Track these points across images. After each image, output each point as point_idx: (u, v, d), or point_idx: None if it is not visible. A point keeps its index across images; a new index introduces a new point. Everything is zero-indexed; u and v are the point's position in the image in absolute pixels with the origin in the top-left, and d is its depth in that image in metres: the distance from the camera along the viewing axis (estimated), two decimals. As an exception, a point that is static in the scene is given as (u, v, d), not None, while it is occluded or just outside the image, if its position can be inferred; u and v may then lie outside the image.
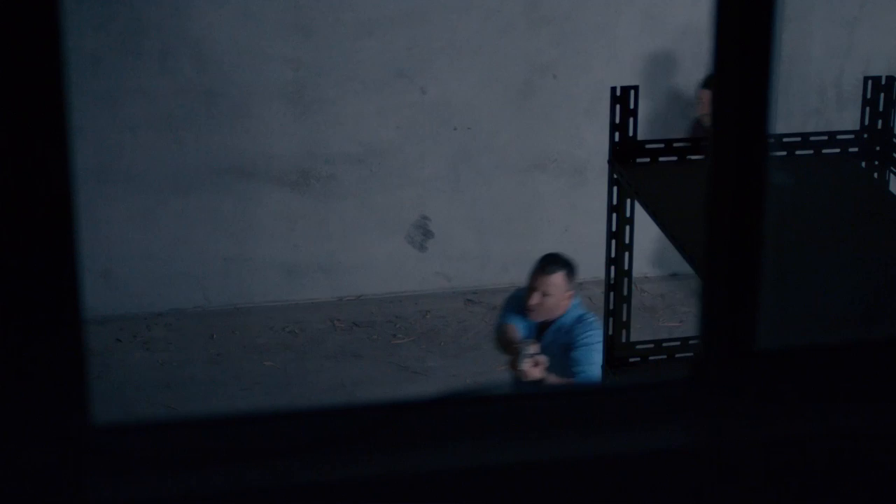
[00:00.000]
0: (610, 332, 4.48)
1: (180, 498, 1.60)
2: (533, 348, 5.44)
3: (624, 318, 4.47)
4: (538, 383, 5.48)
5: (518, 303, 5.86)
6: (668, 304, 8.47)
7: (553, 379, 5.52)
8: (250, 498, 1.62)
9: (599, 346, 5.62)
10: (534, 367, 5.45)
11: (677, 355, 4.49)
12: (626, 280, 4.44)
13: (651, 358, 4.52)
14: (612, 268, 4.41)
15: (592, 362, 5.70)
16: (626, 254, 4.40)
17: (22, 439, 1.57)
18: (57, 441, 1.58)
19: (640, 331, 7.64)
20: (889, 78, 4.49)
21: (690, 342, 4.54)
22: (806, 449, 1.77)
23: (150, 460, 1.63)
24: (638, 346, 4.54)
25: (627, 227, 4.37)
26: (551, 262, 5.74)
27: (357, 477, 1.64)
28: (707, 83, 7.34)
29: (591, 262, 7.89)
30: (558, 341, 5.74)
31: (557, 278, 5.70)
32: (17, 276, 1.53)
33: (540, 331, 5.78)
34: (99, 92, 7.66)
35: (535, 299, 5.67)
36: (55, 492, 1.58)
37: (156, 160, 7.95)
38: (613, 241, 4.38)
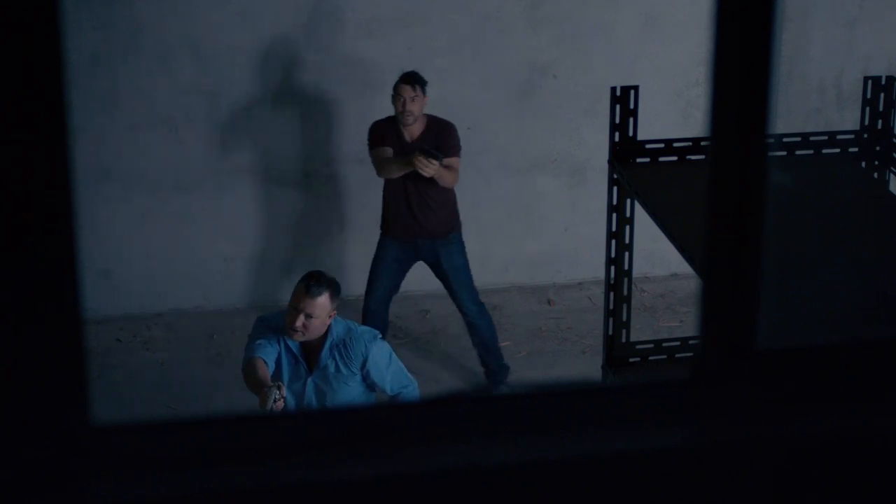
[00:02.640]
0: (610, 332, 4.48)
1: (180, 498, 1.60)
2: (282, 391, 5.20)
3: (624, 318, 4.48)
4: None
5: (269, 327, 5.57)
6: (668, 304, 8.47)
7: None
8: (250, 498, 1.62)
9: (393, 356, 5.61)
10: (281, 406, 5.20)
11: (677, 355, 4.49)
12: (626, 280, 4.44)
13: (651, 358, 4.53)
14: (612, 268, 4.41)
15: (403, 380, 5.61)
16: (626, 254, 4.40)
17: (21, 439, 1.57)
18: (56, 441, 1.58)
19: (640, 331, 7.66)
20: (889, 78, 4.49)
21: (690, 342, 4.54)
22: (806, 449, 1.77)
23: (150, 460, 1.63)
24: (638, 346, 4.54)
25: (627, 227, 4.38)
26: (316, 284, 5.42)
27: (357, 477, 1.64)
28: (406, 79, 7.14)
29: (591, 262, 7.92)
30: (337, 361, 5.54)
31: (323, 300, 5.40)
32: (17, 276, 1.53)
33: (309, 354, 5.57)
34: (99, 92, 7.67)
35: (298, 321, 5.39)
36: (55, 492, 1.58)
37: (156, 160, 7.95)
38: (613, 241, 4.38)
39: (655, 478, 1.72)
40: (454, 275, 7.32)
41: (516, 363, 7.58)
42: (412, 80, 7.15)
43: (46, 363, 1.56)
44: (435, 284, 8.39)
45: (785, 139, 4.46)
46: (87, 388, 1.58)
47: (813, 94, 8.54)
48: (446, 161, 7.06)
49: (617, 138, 4.29)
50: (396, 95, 7.13)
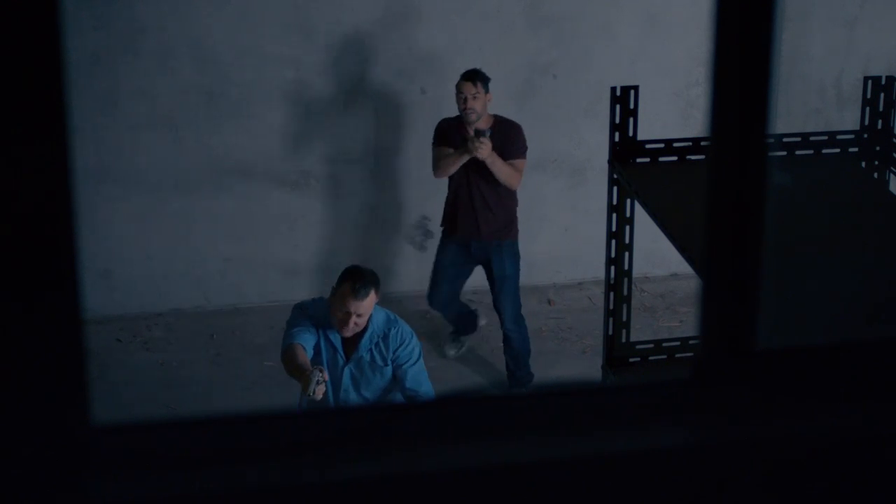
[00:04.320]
0: (610, 332, 4.48)
1: (180, 498, 1.60)
2: (324, 375, 5.29)
3: (624, 318, 4.47)
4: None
5: (308, 315, 5.64)
6: (668, 304, 8.47)
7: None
8: (250, 498, 1.62)
9: (421, 357, 5.73)
10: (323, 390, 5.28)
11: (677, 355, 4.49)
12: (626, 280, 4.44)
13: (651, 358, 4.52)
14: (612, 268, 4.41)
15: (423, 381, 5.69)
16: (626, 254, 4.40)
17: (22, 439, 1.57)
18: (57, 441, 1.58)
19: (640, 331, 7.66)
20: (889, 78, 4.48)
21: (690, 342, 4.54)
22: (806, 449, 1.77)
23: (150, 460, 1.63)
24: (638, 346, 4.54)
25: (627, 227, 4.38)
26: (362, 285, 5.48)
27: (357, 477, 1.64)
28: (468, 76, 7.17)
29: (591, 262, 7.92)
30: (373, 352, 5.63)
31: (370, 299, 5.51)
32: (17, 277, 1.53)
33: (347, 343, 5.65)
34: (99, 92, 7.67)
35: (351, 322, 5.48)
36: (55, 492, 1.58)
37: (156, 160, 7.95)
38: (613, 241, 4.38)
39: (655, 478, 1.72)
40: (501, 283, 7.31)
41: (516, 363, 7.58)
42: (474, 76, 7.15)
43: (46, 363, 1.56)
44: (435, 284, 8.38)
45: (785, 139, 4.46)
46: (87, 388, 1.58)
47: (813, 94, 8.54)
48: (510, 161, 7.07)
49: (617, 138, 4.28)
50: (458, 93, 7.15)
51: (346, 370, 5.66)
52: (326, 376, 5.33)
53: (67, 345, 1.55)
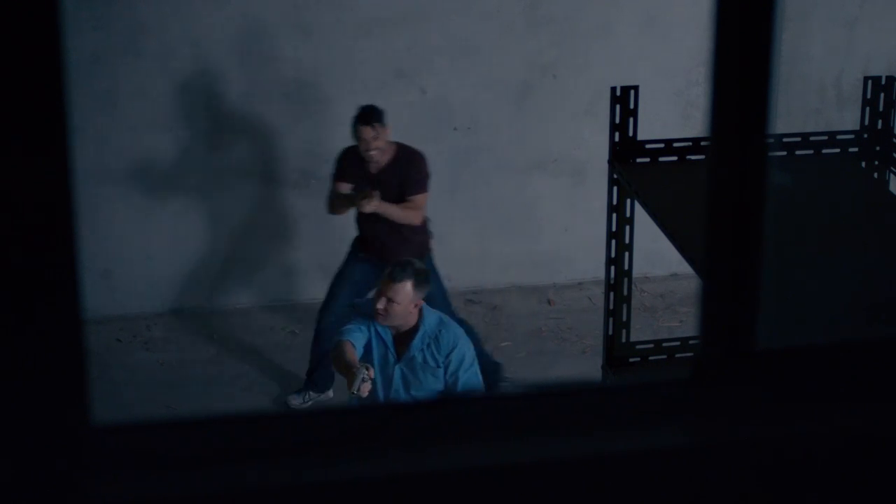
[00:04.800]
0: (610, 332, 4.48)
1: (180, 498, 1.60)
2: (370, 372, 5.34)
3: (624, 318, 4.47)
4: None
5: (361, 312, 5.74)
6: (668, 304, 8.47)
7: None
8: (250, 498, 1.62)
9: (475, 362, 5.72)
10: (368, 388, 5.33)
11: (677, 355, 4.49)
12: (626, 280, 4.44)
13: (651, 358, 4.52)
14: (612, 268, 4.41)
15: (475, 386, 5.68)
16: (626, 254, 4.40)
17: (22, 439, 1.57)
18: (57, 441, 1.58)
19: (640, 331, 7.65)
20: (889, 78, 4.49)
21: (690, 342, 4.54)
22: (806, 449, 1.77)
23: (150, 460, 1.63)
24: (638, 346, 4.54)
25: (627, 227, 4.38)
26: (400, 269, 5.59)
27: (357, 477, 1.64)
28: (364, 119, 6.92)
29: (591, 262, 7.91)
30: (425, 353, 5.66)
31: (405, 286, 5.55)
32: (17, 276, 1.53)
33: (399, 342, 5.69)
34: (99, 92, 7.66)
35: (381, 304, 5.55)
36: (55, 492, 1.58)
37: (156, 160, 7.95)
38: (613, 241, 4.38)
39: (655, 478, 1.72)
40: (430, 301, 7.16)
41: (516, 363, 7.57)
42: (369, 118, 6.91)
43: (46, 363, 1.56)
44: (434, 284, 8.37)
45: (785, 139, 4.46)
46: (87, 388, 1.58)
47: (813, 94, 8.53)
48: (409, 198, 6.92)
49: (617, 138, 4.29)
50: (357, 138, 6.93)
51: (398, 369, 5.69)
52: (372, 374, 5.37)
53: (67, 345, 1.55)
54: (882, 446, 1.79)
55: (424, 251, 7.14)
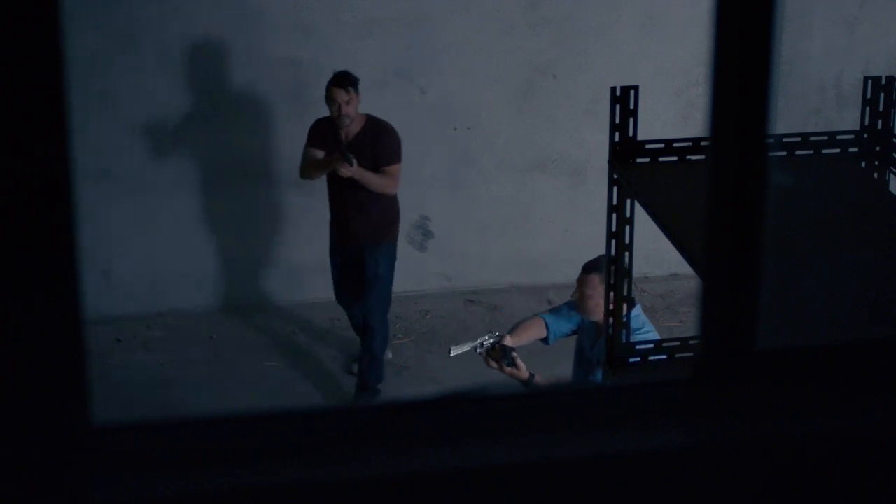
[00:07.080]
0: (610, 332, 4.48)
1: (180, 498, 1.60)
2: (507, 340, 5.87)
3: (624, 318, 4.47)
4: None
5: (572, 307, 6.15)
6: (668, 304, 8.47)
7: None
8: (250, 498, 1.62)
9: (647, 324, 6.01)
10: (492, 361, 5.89)
11: (677, 355, 4.49)
12: (626, 280, 4.44)
13: (651, 358, 4.52)
14: (612, 268, 4.41)
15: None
16: (626, 254, 4.39)
17: (22, 440, 1.57)
18: (57, 441, 1.58)
19: (640, 331, 7.64)
20: (889, 78, 4.48)
21: (690, 342, 4.54)
22: (806, 449, 1.77)
23: (150, 460, 1.63)
24: (638, 346, 4.54)
25: (627, 227, 4.37)
26: (592, 264, 5.89)
27: (357, 477, 1.64)
28: (338, 81, 7.06)
29: (591, 262, 7.91)
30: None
31: (595, 277, 5.81)
32: (17, 276, 1.53)
33: (599, 332, 5.94)
34: (99, 92, 7.66)
35: (578, 296, 5.94)
36: (55, 492, 1.58)
37: (156, 160, 7.95)
38: (613, 241, 4.38)
39: (655, 478, 1.72)
40: (373, 283, 7.18)
41: (516, 363, 7.57)
42: (344, 82, 7.05)
43: (46, 363, 1.56)
44: (435, 284, 8.40)
45: (785, 139, 4.46)
46: (87, 388, 1.58)
47: (813, 94, 8.54)
48: (384, 168, 7.01)
49: (617, 138, 4.28)
50: (330, 100, 7.06)
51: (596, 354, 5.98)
52: (507, 341, 5.97)
53: (67, 345, 1.55)
54: (882, 446, 1.79)
55: (389, 235, 7.19)
